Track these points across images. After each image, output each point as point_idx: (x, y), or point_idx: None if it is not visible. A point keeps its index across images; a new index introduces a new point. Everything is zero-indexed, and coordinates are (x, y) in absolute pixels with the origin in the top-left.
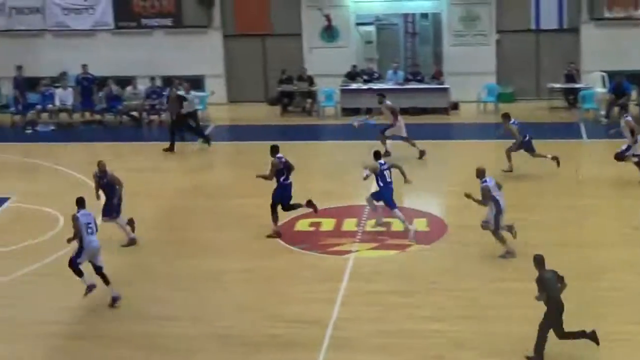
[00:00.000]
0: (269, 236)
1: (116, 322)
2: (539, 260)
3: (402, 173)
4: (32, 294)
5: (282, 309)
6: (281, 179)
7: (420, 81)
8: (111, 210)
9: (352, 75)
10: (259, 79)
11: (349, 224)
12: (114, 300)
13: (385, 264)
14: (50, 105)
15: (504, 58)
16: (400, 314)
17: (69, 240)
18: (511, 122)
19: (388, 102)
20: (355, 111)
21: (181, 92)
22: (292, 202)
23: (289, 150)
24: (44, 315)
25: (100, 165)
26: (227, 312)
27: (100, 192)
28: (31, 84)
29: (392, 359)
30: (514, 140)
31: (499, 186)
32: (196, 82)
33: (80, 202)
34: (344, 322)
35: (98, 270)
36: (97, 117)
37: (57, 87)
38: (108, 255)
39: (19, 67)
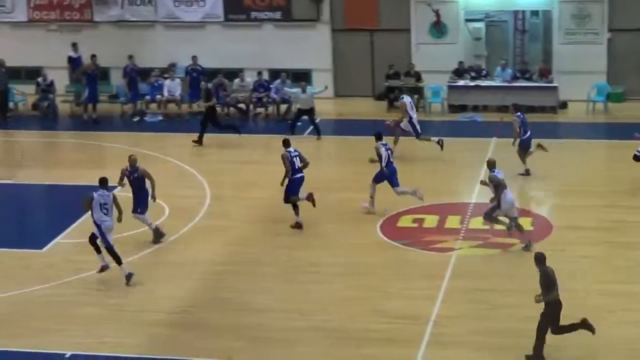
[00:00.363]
0: (292, 227)
1: (218, 312)
2: (540, 258)
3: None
4: (135, 281)
5: (382, 304)
6: (292, 173)
7: (529, 79)
8: (137, 206)
9: (459, 72)
10: (366, 73)
11: (453, 221)
12: (128, 279)
13: (488, 263)
14: (158, 96)
15: (615, 57)
16: (502, 313)
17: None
18: (517, 114)
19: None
20: (462, 108)
21: (210, 86)
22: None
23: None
24: (147, 303)
25: (131, 160)
26: (328, 305)
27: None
28: (141, 74)
29: (491, 358)
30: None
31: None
32: (303, 76)
33: (101, 182)
34: (444, 320)
35: (109, 249)
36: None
37: (166, 78)
38: (222, 246)
39: (130, 57)
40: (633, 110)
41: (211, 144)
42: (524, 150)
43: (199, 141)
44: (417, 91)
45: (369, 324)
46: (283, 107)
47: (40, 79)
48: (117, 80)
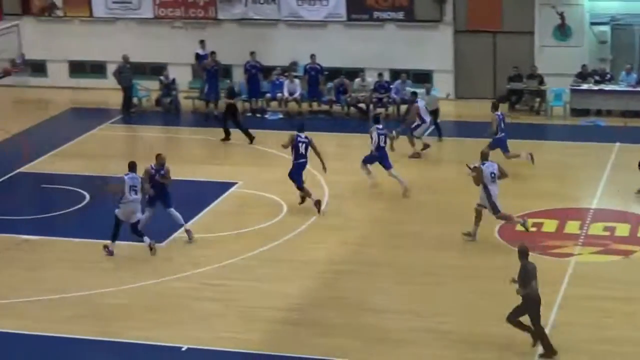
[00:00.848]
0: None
1: (334, 311)
2: (524, 252)
3: None
4: (252, 277)
5: (499, 308)
6: (294, 157)
7: None
8: (168, 202)
9: (583, 76)
10: (487, 75)
11: (572, 227)
12: (151, 248)
13: (608, 269)
14: (279, 94)
15: None
16: (621, 321)
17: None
18: (496, 113)
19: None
20: (585, 112)
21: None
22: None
23: (513, 148)
24: (264, 300)
25: (160, 159)
26: (445, 307)
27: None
28: (262, 72)
29: None
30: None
31: (498, 175)
32: (424, 77)
33: (131, 167)
34: (561, 326)
35: (133, 228)
36: (325, 107)
37: (286, 76)
38: (340, 245)
39: (252, 53)
40: None
41: (331, 143)
42: (492, 148)
43: (226, 138)
44: (539, 94)
45: (486, 327)
46: (403, 107)
47: (162, 77)
48: (239, 77)
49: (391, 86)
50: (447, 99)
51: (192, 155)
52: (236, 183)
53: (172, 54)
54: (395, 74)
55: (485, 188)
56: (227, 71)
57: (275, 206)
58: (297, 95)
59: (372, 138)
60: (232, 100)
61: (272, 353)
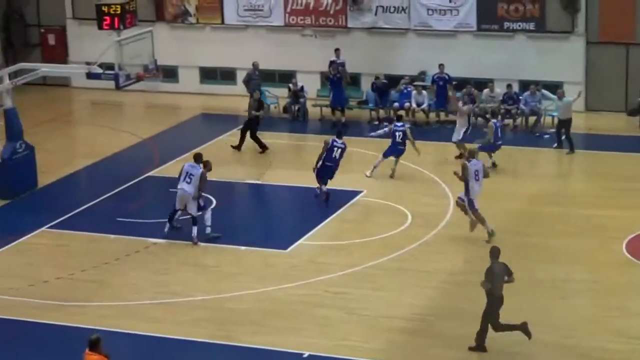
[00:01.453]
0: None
1: (456, 322)
2: (494, 252)
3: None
4: (375, 286)
5: (624, 324)
6: (325, 158)
7: None
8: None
9: None
10: (619, 88)
11: None
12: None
13: None
14: (407, 104)
15: None
16: None
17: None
18: (493, 121)
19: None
20: None
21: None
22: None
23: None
24: (386, 309)
25: (208, 166)
26: (569, 321)
27: None
28: (391, 81)
29: None
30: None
31: (482, 173)
32: (554, 89)
33: (196, 158)
34: None
35: (193, 219)
36: (452, 117)
37: (415, 86)
38: (463, 255)
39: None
40: None
41: (455, 152)
42: (481, 150)
43: (239, 147)
44: None
45: (609, 343)
46: (532, 119)
47: (291, 84)
48: (367, 86)
49: (520, 97)
50: (578, 97)
51: None
52: (361, 192)
53: (301, 62)
54: (525, 85)
55: (467, 184)
56: (355, 80)
57: (400, 215)
58: (424, 106)
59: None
60: (259, 114)
61: None
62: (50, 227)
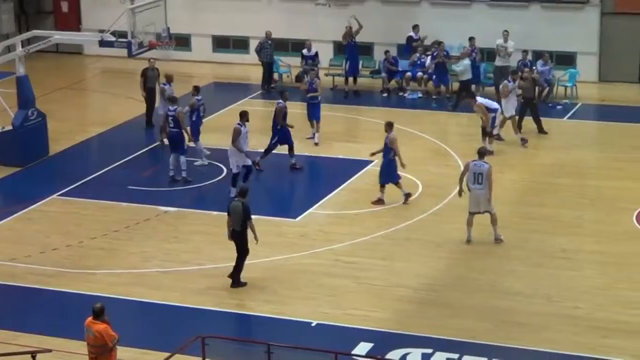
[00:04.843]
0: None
1: (465, 292)
2: (244, 192)
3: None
4: (384, 255)
5: (633, 295)
6: None
7: None
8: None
9: None
10: (634, 59)
11: None
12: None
13: None
14: (419, 73)
15: None
16: None
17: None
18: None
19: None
20: None
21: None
22: None
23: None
24: (395, 278)
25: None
26: (577, 292)
27: None
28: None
29: None
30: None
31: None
32: (568, 59)
33: (242, 115)
34: None
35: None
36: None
37: (428, 55)
38: (472, 226)
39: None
40: None
41: (474, 124)
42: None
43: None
44: None
45: (619, 315)
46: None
47: (304, 50)
48: (379, 55)
49: (533, 67)
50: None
51: (328, 132)
52: (372, 162)
53: (314, 31)
54: (538, 55)
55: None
56: (368, 49)
57: (411, 186)
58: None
59: None
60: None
61: (401, 332)
62: (61, 194)
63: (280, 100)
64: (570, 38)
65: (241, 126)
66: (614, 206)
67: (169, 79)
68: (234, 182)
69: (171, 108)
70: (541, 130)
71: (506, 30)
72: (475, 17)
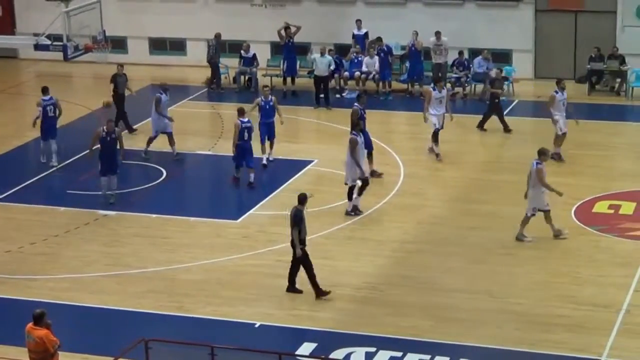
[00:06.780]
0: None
1: (407, 290)
2: (301, 199)
3: None
4: (326, 255)
5: (573, 290)
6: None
7: None
8: (104, 168)
9: None
10: (568, 55)
11: None
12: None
13: None
14: (357, 73)
15: None
16: None
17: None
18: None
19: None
20: None
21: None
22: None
23: (593, 129)
24: (337, 278)
25: (109, 125)
26: (518, 288)
27: None
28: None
29: None
30: None
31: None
32: (503, 56)
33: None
34: (637, 309)
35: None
36: (403, 86)
37: (365, 54)
38: (414, 224)
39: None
40: None
41: (402, 122)
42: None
43: None
44: (620, 75)
45: (560, 309)
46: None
47: (242, 51)
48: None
49: (470, 65)
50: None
51: None
52: (312, 161)
53: (251, 32)
54: (474, 53)
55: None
56: (304, 49)
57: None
58: (373, 72)
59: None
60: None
61: (345, 331)
62: None
63: (356, 104)
64: (506, 35)
65: (356, 135)
66: (554, 201)
67: (165, 88)
68: (349, 196)
69: (244, 120)
70: (507, 128)
71: (438, 31)
72: (411, 16)
